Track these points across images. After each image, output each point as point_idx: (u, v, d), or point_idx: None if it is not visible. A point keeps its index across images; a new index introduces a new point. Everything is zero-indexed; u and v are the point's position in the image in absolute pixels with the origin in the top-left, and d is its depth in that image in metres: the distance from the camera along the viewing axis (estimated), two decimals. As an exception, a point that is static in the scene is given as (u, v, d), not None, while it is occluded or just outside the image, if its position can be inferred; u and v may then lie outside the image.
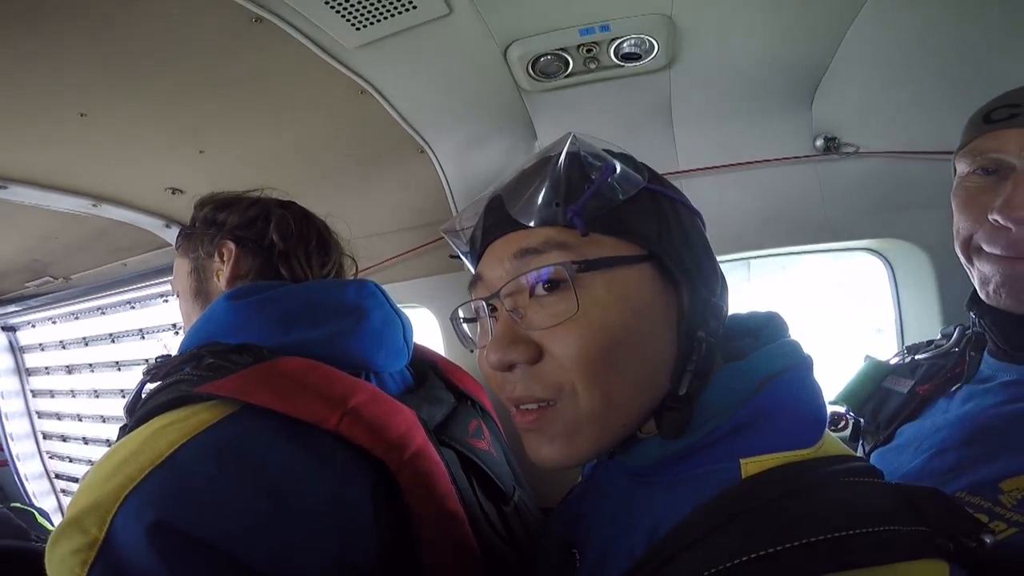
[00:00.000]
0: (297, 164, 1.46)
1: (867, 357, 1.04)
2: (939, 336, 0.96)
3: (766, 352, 0.56)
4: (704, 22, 1.07)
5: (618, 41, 1.11)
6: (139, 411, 0.65)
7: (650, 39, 1.10)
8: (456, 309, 0.67)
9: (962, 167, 0.76)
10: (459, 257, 0.69)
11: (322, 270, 0.94)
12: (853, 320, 1.47)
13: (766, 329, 0.63)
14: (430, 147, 1.40)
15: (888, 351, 1.05)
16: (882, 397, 0.95)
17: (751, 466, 0.50)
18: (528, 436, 0.57)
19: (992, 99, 0.75)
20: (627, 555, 0.53)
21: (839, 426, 1.20)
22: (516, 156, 1.41)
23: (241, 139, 1.38)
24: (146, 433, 0.59)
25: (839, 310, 1.48)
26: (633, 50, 1.12)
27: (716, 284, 0.59)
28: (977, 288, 0.76)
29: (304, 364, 0.69)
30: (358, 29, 1.07)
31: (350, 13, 1.03)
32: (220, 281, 0.87)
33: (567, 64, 1.16)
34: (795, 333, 0.63)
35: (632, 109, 1.27)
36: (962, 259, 0.77)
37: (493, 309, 0.59)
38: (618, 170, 0.56)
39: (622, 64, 1.16)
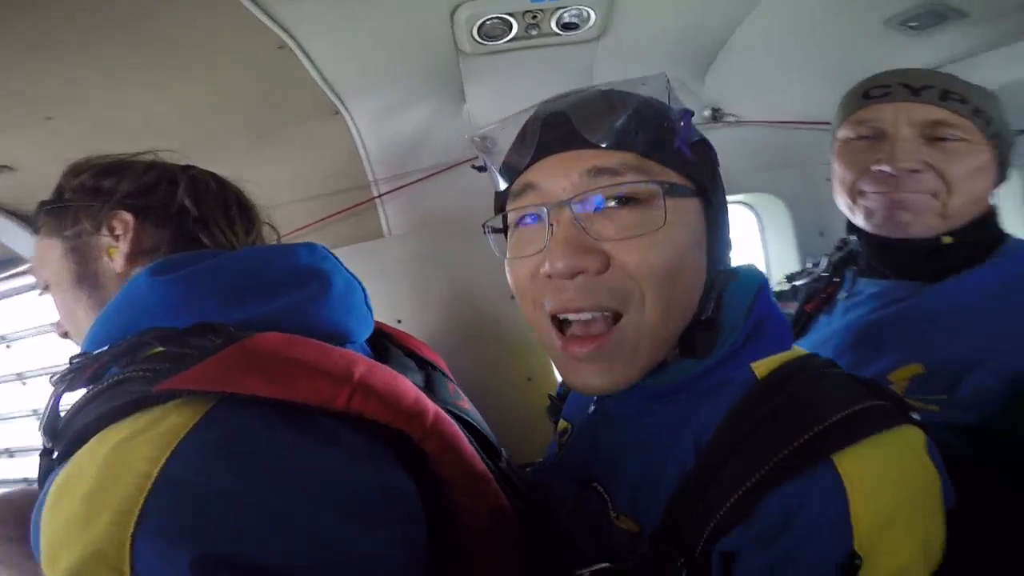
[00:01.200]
0: (183, 128, 1.23)
1: None
2: (809, 265, 1.22)
3: (745, 273, 0.67)
4: (633, 5, 1.17)
5: (562, 11, 1.16)
6: (69, 429, 0.52)
7: (589, 10, 1.17)
8: (499, 217, 0.68)
9: (846, 133, 0.98)
10: (485, 168, 0.69)
11: (248, 238, 0.81)
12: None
13: None
14: (347, 109, 1.30)
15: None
16: None
17: (760, 368, 0.61)
18: (581, 367, 0.60)
19: (866, 79, 0.98)
20: (676, 470, 0.58)
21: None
22: (442, 120, 1.38)
23: (107, 101, 1.12)
24: (102, 453, 0.47)
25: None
26: (573, 20, 1.18)
27: (729, 222, 0.68)
28: (862, 221, 0.98)
29: (286, 338, 0.58)
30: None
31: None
32: (115, 260, 0.71)
33: (511, 28, 1.18)
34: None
35: (558, 76, 1.33)
36: (845, 201, 1.00)
37: (538, 219, 0.61)
38: (692, 128, 0.63)
39: (559, 33, 1.21)
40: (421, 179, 1.43)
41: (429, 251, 1.49)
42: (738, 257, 0.71)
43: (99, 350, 0.59)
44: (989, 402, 0.77)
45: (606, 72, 1.34)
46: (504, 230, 0.70)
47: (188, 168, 0.81)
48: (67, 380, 0.59)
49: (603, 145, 0.58)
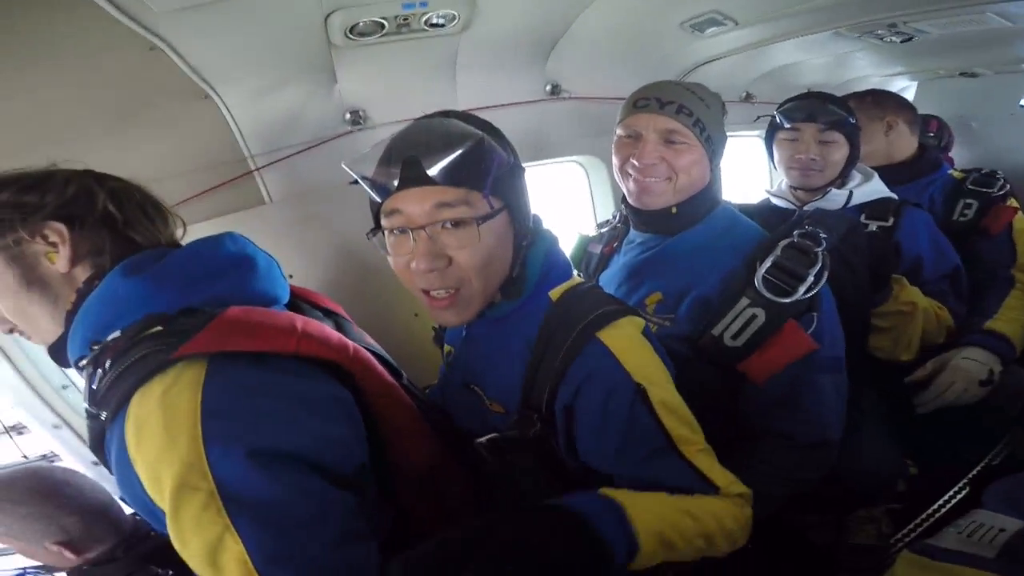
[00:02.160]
0: (48, 121, 1.18)
1: (578, 234, 1.61)
2: (611, 217, 1.58)
3: (542, 237, 1.01)
4: (492, 2, 1.35)
5: (430, 13, 1.29)
6: (113, 395, 0.72)
7: (453, 12, 1.32)
8: (374, 229, 0.96)
9: (620, 131, 1.30)
10: (358, 183, 0.92)
11: (166, 230, 0.95)
12: (570, 209, 2.14)
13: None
14: (217, 94, 1.33)
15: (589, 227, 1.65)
16: (588, 258, 1.54)
17: (554, 294, 0.98)
18: (440, 312, 0.94)
19: (637, 90, 1.29)
20: (521, 364, 0.95)
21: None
22: (315, 100, 1.47)
23: None
24: (154, 402, 0.68)
25: (561, 204, 2.13)
26: (440, 20, 1.33)
27: (530, 211, 1.00)
28: (625, 194, 1.34)
29: (243, 309, 0.79)
30: (179, -6, 1.00)
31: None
32: (57, 263, 0.82)
33: (382, 28, 1.29)
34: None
35: (427, 64, 1.48)
36: (619, 178, 1.34)
37: (403, 231, 0.89)
38: (506, 156, 0.92)
39: (427, 29, 1.35)
40: (296, 153, 1.53)
41: (310, 213, 1.62)
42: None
43: (112, 336, 0.77)
44: (692, 318, 1.19)
45: (466, 59, 1.52)
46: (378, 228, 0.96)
47: (103, 178, 0.89)
48: (95, 362, 0.76)
49: (444, 184, 0.85)
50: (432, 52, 1.47)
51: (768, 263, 1.12)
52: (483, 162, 0.86)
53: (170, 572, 1.19)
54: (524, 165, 1.00)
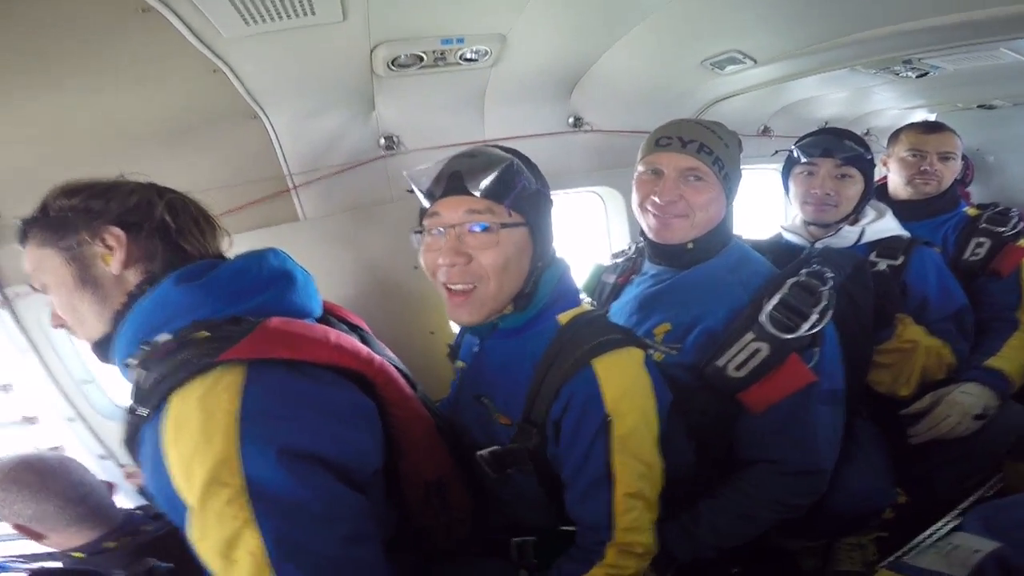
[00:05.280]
0: (115, 134, 1.30)
1: (594, 263, 1.67)
2: (627, 247, 1.66)
3: (557, 263, 1.11)
4: (522, 40, 1.45)
5: (465, 49, 1.40)
6: (155, 391, 0.77)
7: (487, 48, 1.43)
8: (418, 230, 1.09)
9: (641, 168, 1.37)
10: (412, 191, 1.08)
11: (214, 242, 1.01)
12: (587, 237, 2.22)
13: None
14: (266, 115, 1.44)
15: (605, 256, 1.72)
16: (601, 287, 1.59)
17: (562, 318, 1.08)
18: (456, 308, 1.04)
19: (658, 128, 1.35)
20: (522, 384, 1.04)
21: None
22: (353, 125, 1.58)
23: (55, 117, 1.20)
24: (194, 402, 0.74)
25: (579, 233, 2.21)
26: (474, 56, 1.44)
27: (552, 238, 1.11)
28: (646, 229, 1.39)
29: (284, 321, 0.86)
30: (248, 24, 1.10)
31: (246, 7, 1.06)
32: (111, 266, 0.88)
33: (421, 60, 1.40)
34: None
35: (458, 95, 1.59)
36: (638, 213, 1.39)
37: (438, 231, 1.03)
38: (531, 181, 1.05)
39: (461, 63, 1.46)
40: (332, 174, 1.63)
41: (340, 233, 1.72)
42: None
43: (162, 338, 0.83)
44: (699, 348, 1.23)
45: (495, 91, 1.63)
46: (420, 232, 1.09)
47: (163, 191, 0.97)
48: (144, 360, 0.82)
49: (476, 194, 0.99)
50: (464, 84, 1.58)
51: (775, 300, 1.18)
52: (509, 181, 1.00)
53: (171, 566, 1.21)
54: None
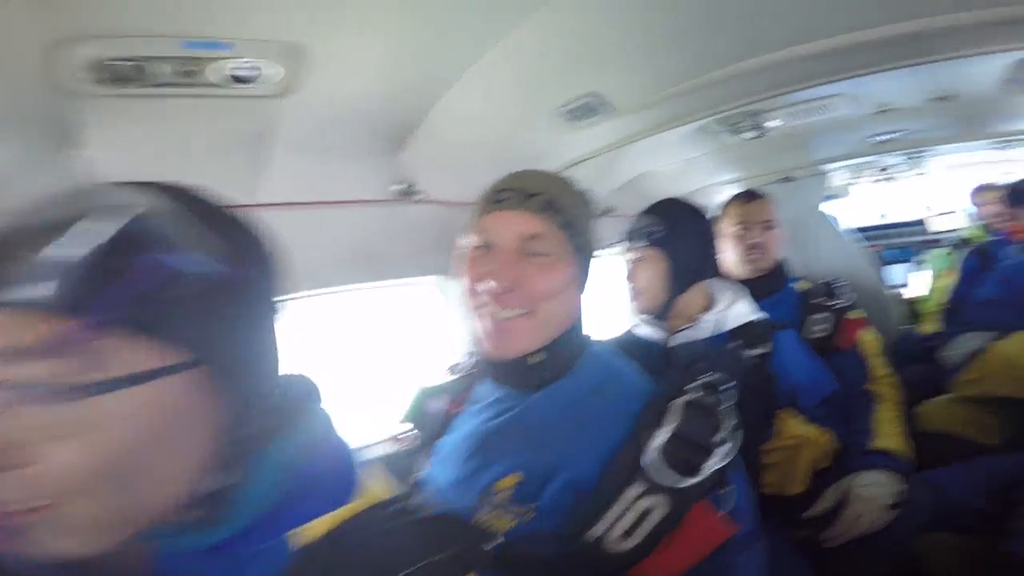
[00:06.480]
0: None
1: (418, 388, 1.15)
2: (466, 356, 1.16)
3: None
4: (331, 58, 1.00)
5: (234, 62, 0.89)
6: None
7: (273, 65, 0.94)
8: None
9: (468, 240, 0.95)
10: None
11: None
12: (420, 340, 1.69)
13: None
14: None
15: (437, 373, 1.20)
16: (423, 418, 1.11)
17: (303, 535, 0.57)
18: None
19: (497, 181, 0.98)
20: None
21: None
22: (37, 167, 0.93)
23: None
24: None
25: (409, 333, 1.68)
26: (250, 73, 0.93)
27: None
28: (475, 337, 0.97)
29: None
30: None
31: None
32: None
33: (149, 73, 0.85)
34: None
35: (222, 132, 1.04)
36: (468, 310, 0.96)
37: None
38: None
39: (229, 85, 0.94)
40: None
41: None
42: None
43: None
44: (562, 510, 0.84)
45: (289, 135, 1.12)
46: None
47: None
48: None
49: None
50: (235, 119, 1.05)
51: (665, 434, 0.84)
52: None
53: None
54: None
